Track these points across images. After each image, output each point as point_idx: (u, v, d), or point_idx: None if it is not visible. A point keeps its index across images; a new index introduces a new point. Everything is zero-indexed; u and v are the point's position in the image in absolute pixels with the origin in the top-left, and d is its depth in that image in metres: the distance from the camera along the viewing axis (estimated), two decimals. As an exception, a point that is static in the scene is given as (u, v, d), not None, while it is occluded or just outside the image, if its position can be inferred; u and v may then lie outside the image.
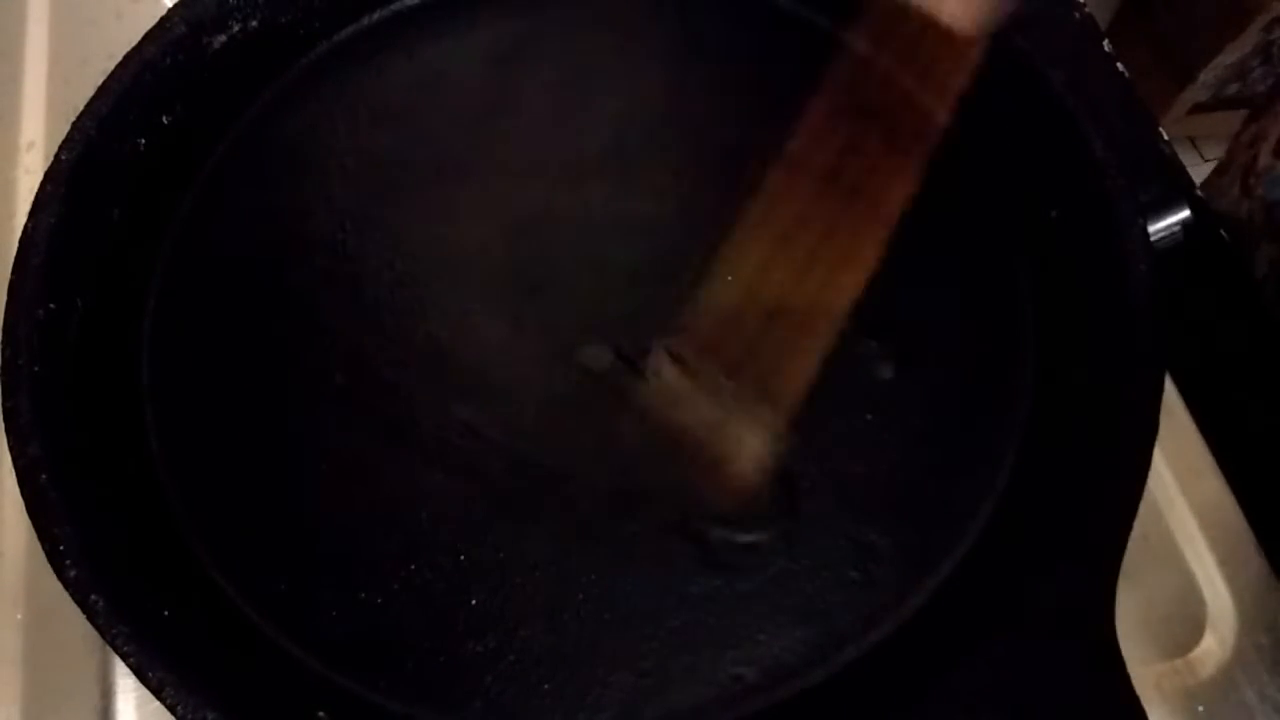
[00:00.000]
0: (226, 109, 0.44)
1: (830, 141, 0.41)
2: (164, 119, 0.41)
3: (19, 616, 0.39)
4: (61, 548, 0.32)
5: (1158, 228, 0.40)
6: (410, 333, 0.40)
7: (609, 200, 0.43)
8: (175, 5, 0.42)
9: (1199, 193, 0.49)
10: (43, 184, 0.38)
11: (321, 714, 0.34)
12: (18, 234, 0.37)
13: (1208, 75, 1.09)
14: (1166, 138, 0.49)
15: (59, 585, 0.32)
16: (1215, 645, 0.40)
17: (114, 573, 0.33)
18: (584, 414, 0.39)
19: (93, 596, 0.32)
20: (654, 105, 0.45)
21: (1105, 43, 0.52)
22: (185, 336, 0.41)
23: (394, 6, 0.47)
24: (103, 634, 0.31)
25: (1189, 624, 0.40)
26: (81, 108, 0.39)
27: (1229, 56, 1.07)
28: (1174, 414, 0.43)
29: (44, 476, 0.33)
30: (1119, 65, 0.51)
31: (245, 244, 0.42)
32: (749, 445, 0.39)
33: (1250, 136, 0.53)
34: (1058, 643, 0.33)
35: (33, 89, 0.49)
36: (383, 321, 0.41)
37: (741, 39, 0.47)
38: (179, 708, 0.31)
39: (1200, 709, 0.39)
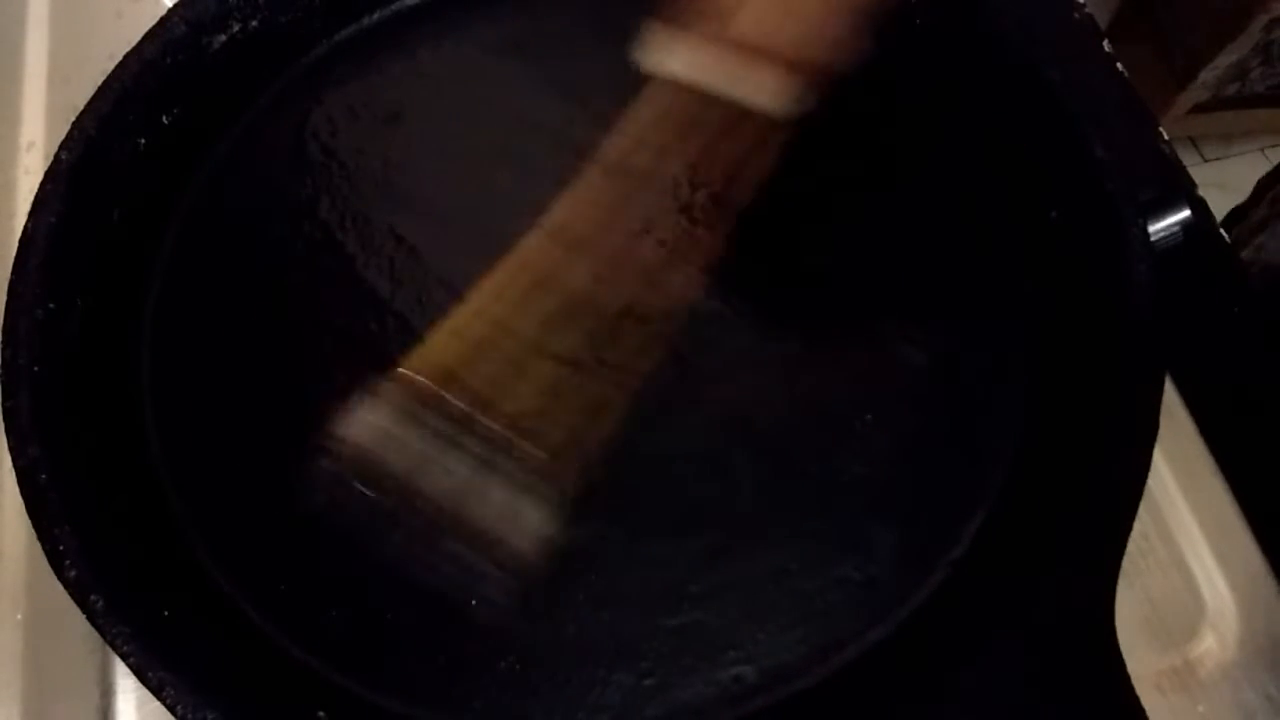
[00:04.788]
0: (226, 109, 0.44)
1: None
2: (164, 119, 0.41)
3: (19, 616, 0.39)
4: (61, 548, 0.32)
5: (1158, 228, 0.40)
6: (411, 333, 0.40)
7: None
8: (175, 5, 0.42)
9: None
10: (43, 184, 0.38)
11: (321, 714, 0.34)
12: (18, 234, 0.37)
13: (1208, 75, 1.09)
14: (1166, 138, 0.49)
15: (59, 585, 0.32)
16: (1215, 645, 0.40)
17: (114, 573, 0.33)
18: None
19: (93, 596, 0.32)
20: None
21: (1105, 43, 0.52)
22: (185, 336, 0.41)
23: (394, 6, 0.47)
24: (103, 634, 0.31)
25: (1189, 624, 0.40)
26: (81, 108, 0.39)
27: (1229, 56, 1.07)
28: (1174, 414, 0.43)
29: (44, 476, 0.33)
30: (1119, 65, 0.51)
31: (245, 244, 0.42)
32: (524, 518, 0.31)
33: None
34: (1058, 643, 0.33)
35: (33, 89, 0.49)
36: (383, 321, 0.41)
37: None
38: (179, 708, 0.31)
39: (1200, 709, 0.39)
